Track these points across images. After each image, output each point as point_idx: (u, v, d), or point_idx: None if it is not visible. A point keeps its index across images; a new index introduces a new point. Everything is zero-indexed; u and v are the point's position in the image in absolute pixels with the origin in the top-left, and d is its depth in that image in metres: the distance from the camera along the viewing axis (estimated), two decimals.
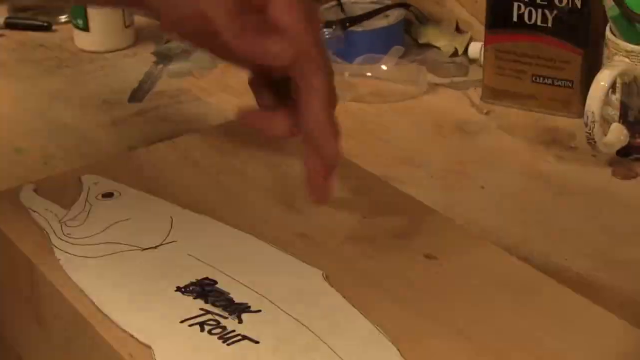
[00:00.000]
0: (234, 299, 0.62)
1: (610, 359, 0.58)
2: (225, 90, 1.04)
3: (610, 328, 0.60)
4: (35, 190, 0.74)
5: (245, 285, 0.63)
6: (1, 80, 1.09)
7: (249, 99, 1.02)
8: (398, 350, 0.58)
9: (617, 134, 0.88)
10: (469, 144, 0.93)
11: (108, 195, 0.73)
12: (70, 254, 0.66)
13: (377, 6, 1.11)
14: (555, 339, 0.59)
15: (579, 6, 0.93)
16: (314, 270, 0.65)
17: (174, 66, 1.10)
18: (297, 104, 0.64)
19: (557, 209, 0.82)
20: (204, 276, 0.64)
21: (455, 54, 1.11)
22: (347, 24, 1.08)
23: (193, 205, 0.72)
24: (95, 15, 1.12)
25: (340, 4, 1.13)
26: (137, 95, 1.04)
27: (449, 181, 0.86)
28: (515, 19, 0.96)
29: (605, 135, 0.88)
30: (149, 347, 0.58)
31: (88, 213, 0.71)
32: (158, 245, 0.67)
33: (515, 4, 0.96)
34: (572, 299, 0.63)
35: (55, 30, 1.20)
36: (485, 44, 1.00)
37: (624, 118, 0.88)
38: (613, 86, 0.87)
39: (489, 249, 0.69)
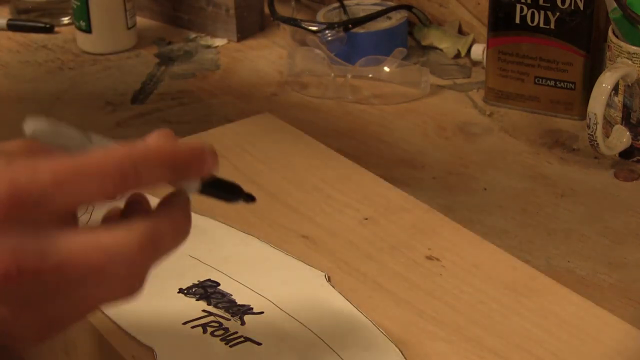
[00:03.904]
0: (236, 301, 0.62)
1: None
2: (227, 92, 1.04)
3: (612, 329, 0.60)
4: None
5: (247, 287, 0.63)
6: (4, 82, 1.09)
7: (250, 101, 1.02)
8: (400, 351, 0.58)
9: (619, 136, 0.88)
10: (472, 145, 0.93)
11: None
12: None
13: (380, 8, 1.11)
14: (556, 340, 0.59)
15: (581, 8, 0.93)
16: (316, 272, 0.65)
17: (176, 68, 1.10)
18: None
19: (560, 211, 0.82)
20: (207, 278, 0.64)
21: (458, 55, 1.11)
22: (350, 25, 1.08)
23: (195, 206, 0.72)
24: (97, 17, 1.12)
25: (342, 6, 1.13)
26: (139, 96, 1.04)
27: (451, 183, 0.86)
28: (517, 20, 0.96)
29: (608, 137, 0.88)
30: (151, 349, 0.58)
31: (90, 215, 0.71)
32: None
33: (518, 6, 0.96)
34: (573, 300, 0.63)
35: (57, 32, 1.20)
36: (488, 46, 1.00)
37: (626, 120, 0.88)
38: (615, 88, 0.87)
39: (491, 250, 0.69)
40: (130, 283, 0.48)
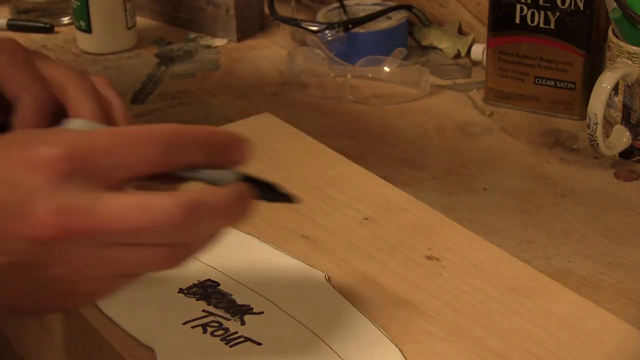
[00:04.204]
0: (236, 301, 0.62)
1: None
2: (227, 92, 1.04)
3: (612, 329, 0.60)
4: None
5: (247, 287, 0.63)
6: None
7: (250, 101, 1.02)
8: (400, 351, 0.58)
9: (619, 136, 0.88)
10: (472, 145, 0.93)
11: None
12: None
13: (380, 8, 1.11)
14: (556, 340, 0.59)
15: (581, 8, 0.93)
16: (316, 272, 0.65)
17: (176, 68, 1.10)
18: None
19: (560, 211, 0.82)
20: (207, 278, 0.64)
21: (458, 55, 1.11)
22: (350, 25, 1.08)
23: None
24: (97, 17, 1.12)
25: (342, 6, 1.13)
26: (139, 96, 1.04)
27: (451, 183, 0.86)
28: (517, 20, 0.96)
29: (608, 137, 0.88)
30: (151, 349, 0.58)
31: None
32: None
33: (518, 6, 0.96)
34: (573, 300, 0.63)
35: (57, 32, 1.20)
36: (488, 46, 1.00)
37: (626, 120, 0.88)
38: (616, 88, 0.87)
39: (491, 250, 0.69)
40: (173, 251, 0.49)
